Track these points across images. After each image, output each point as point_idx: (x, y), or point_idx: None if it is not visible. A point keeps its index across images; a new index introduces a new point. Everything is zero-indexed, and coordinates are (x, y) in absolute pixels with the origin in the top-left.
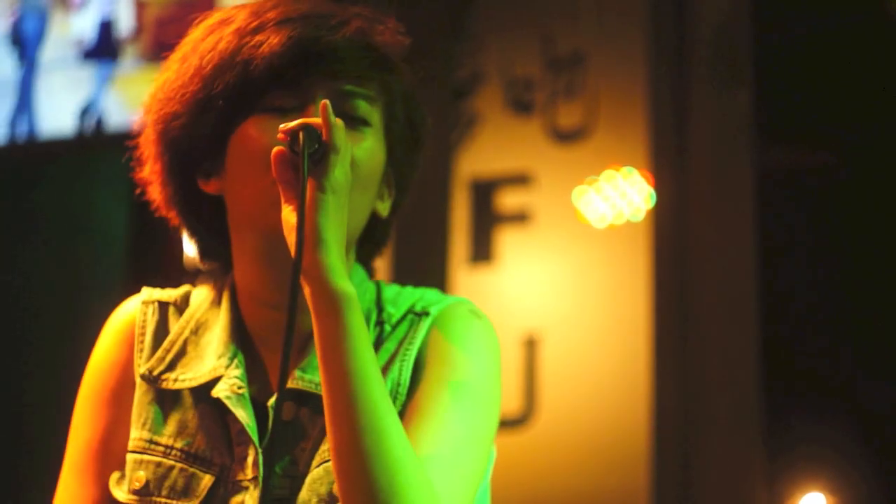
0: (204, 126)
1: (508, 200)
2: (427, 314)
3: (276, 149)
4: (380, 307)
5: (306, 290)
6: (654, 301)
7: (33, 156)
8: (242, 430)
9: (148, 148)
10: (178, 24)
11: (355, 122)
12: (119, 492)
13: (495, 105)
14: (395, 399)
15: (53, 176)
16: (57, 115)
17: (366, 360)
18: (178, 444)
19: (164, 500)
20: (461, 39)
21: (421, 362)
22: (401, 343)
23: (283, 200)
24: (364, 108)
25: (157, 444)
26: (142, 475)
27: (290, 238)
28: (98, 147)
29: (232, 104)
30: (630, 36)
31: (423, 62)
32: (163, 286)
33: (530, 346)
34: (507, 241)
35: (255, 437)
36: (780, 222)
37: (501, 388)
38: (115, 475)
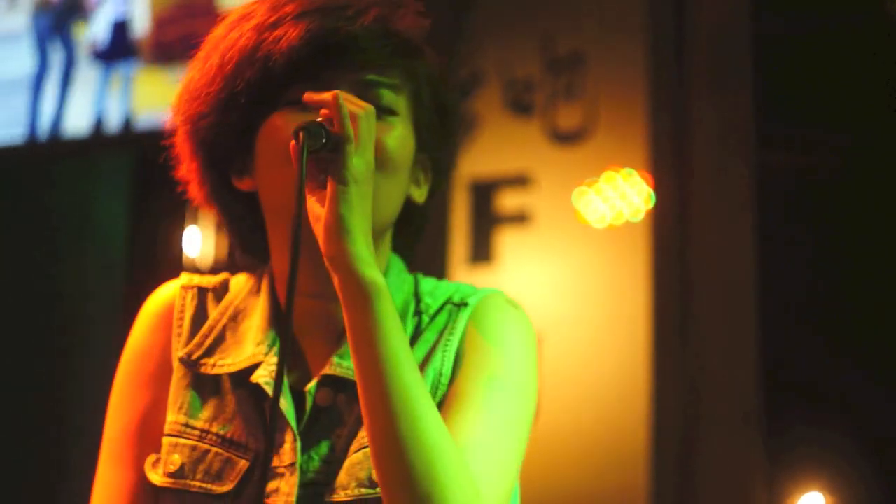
0: (229, 124)
1: (508, 201)
2: (465, 304)
3: (291, 143)
4: (418, 298)
5: (335, 280)
6: (654, 302)
7: (40, 156)
8: (281, 416)
9: (181, 148)
10: (178, 24)
11: (380, 112)
12: (154, 475)
13: (495, 106)
14: (436, 389)
15: (58, 176)
16: (67, 116)
17: (397, 347)
18: (215, 429)
19: (198, 483)
20: (461, 40)
21: (461, 352)
22: (441, 333)
23: (306, 192)
24: (388, 96)
25: (192, 427)
26: (177, 458)
27: (317, 228)
28: (100, 147)
29: (254, 100)
30: (630, 37)
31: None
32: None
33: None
34: (507, 241)
35: (292, 422)
36: (779, 223)
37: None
38: (150, 458)
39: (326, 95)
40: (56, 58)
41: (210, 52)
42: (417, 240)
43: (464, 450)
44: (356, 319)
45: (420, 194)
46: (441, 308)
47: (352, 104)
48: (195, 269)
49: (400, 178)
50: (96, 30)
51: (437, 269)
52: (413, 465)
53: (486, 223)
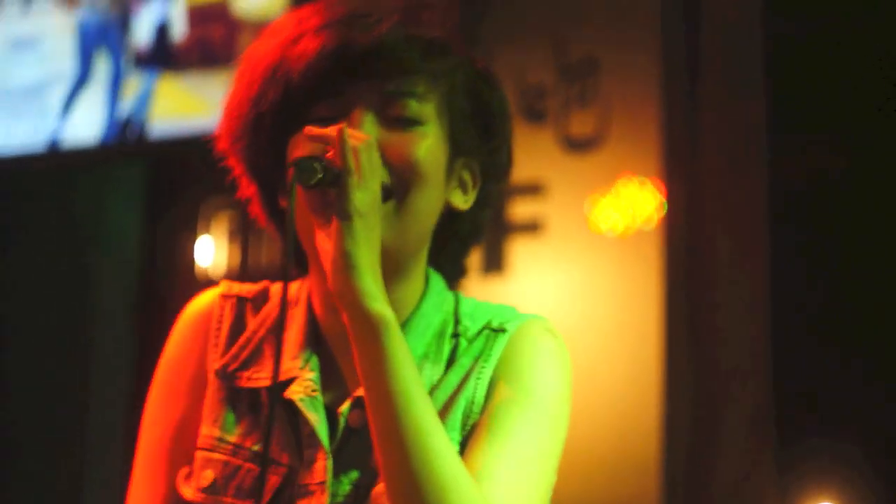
0: (261, 145)
1: (521, 210)
2: (504, 331)
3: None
4: (457, 319)
5: (343, 316)
6: (666, 311)
7: (57, 165)
8: (313, 434)
9: (234, 168)
10: (191, 29)
11: (405, 123)
12: (186, 489)
13: None
14: (468, 417)
15: (76, 183)
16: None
17: (408, 382)
18: (248, 444)
19: (230, 500)
20: (473, 47)
21: (494, 380)
22: (476, 360)
23: (315, 227)
24: (413, 106)
25: (226, 442)
26: (209, 473)
27: (325, 263)
28: (116, 157)
29: (279, 120)
30: (642, 44)
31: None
32: (176, 297)
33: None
34: (520, 251)
35: (325, 441)
36: (793, 232)
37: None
38: (183, 471)
39: (327, 130)
40: (101, 65)
41: (242, 70)
42: (467, 250)
43: (486, 482)
44: (365, 355)
45: (464, 201)
46: (479, 332)
47: (353, 137)
48: (207, 279)
49: (430, 192)
50: (140, 34)
51: (451, 280)
52: (425, 498)
53: (498, 232)
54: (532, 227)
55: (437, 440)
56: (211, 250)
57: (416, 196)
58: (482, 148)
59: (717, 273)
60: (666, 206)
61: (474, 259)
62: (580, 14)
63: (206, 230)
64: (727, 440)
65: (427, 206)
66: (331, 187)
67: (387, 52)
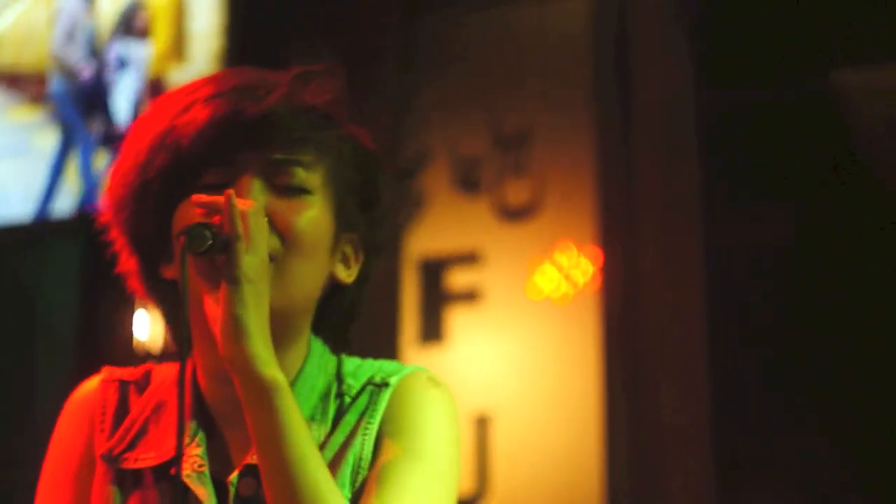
0: (146, 213)
1: (458, 279)
2: (387, 385)
3: (179, 244)
4: (340, 380)
5: (234, 381)
6: (605, 377)
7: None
8: None
9: (115, 239)
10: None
11: (292, 191)
12: None
13: (443, 183)
14: (357, 473)
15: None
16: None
17: (302, 444)
18: None
19: None
20: (408, 118)
21: (381, 434)
22: (361, 415)
23: (204, 294)
24: (300, 175)
25: None
26: None
27: (214, 329)
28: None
29: (166, 187)
30: (576, 113)
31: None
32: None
33: (482, 425)
34: (458, 320)
35: None
36: (730, 296)
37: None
38: None
39: (215, 197)
40: (46, 140)
41: (129, 140)
42: (350, 321)
43: None
44: (257, 419)
45: (348, 274)
46: (363, 389)
47: (241, 203)
48: (146, 353)
49: (315, 260)
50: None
51: (389, 348)
52: None
53: (436, 301)
54: (470, 296)
55: (332, 501)
56: (148, 324)
57: (298, 261)
58: (365, 222)
59: (654, 337)
60: (603, 272)
61: (412, 328)
62: (514, 85)
63: (144, 304)
64: (668, 497)
65: (309, 272)
66: (220, 254)
67: (274, 122)
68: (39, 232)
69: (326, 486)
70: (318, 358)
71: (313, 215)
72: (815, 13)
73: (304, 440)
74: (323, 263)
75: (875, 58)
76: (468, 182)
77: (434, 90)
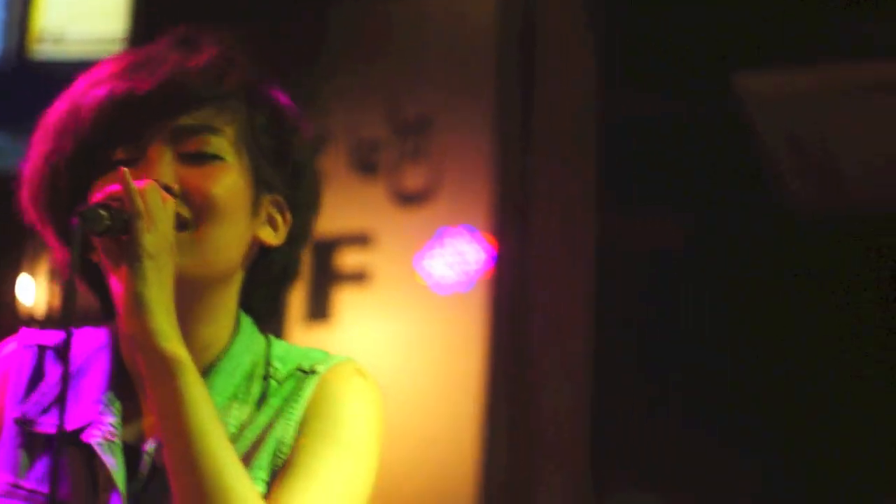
0: (61, 200)
1: (349, 260)
2: (314, 372)
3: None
4: (268, 361)
5: (137, 357)
6: (490, 362)
7: None
8: (110, 477)
9: (42, 233)
10: None
11: (202, 158)
12: None
13: (340, 166)
14: (277, 457)
15: None
16: None
17: (203, 420)
18: (43, 489)
19: None
20: (309, 100)
21: (304, 420)
22: (286, 401)
23: (109, 271)
24: (209, 140)
25: (20, 487)
26: None
27: (119, 306)
28: None
29: (76, 171)
30: (477, 102)
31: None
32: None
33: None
34: (346, 300)
35: (121, 484)
36: (617, 294)
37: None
38: None
39: (112, 179)
40: None
41: (38, 133)
42: (282, 288)
43: None
44: (160, 394)
45: (274, 236)
46: (290, 374)
47: (140, 181)
48: (31, 318)
49: (233, 225)
50: None
51: (273, 326)
52: None
53: (325, 281)
54: (360, 277)
55: (233, 476)
56: (32, 289)
57: (214, 227)
58: (288, 183)
59: (542, 327)
60: (494, 261)
61: (299, 306)
62: (416, 72)
63: (30, 269)
64: (545, 491)
65: (226, 237)
66: (122, 233)
67: (170, 90)
68: None
69: (227, 463)
70: (247, 337)
71: (227, 181)
72: (722, 17)
73: (206, 417)
74: (242, 228)
75: (780, 61)
76: (366, 165)
77: (340, 75)
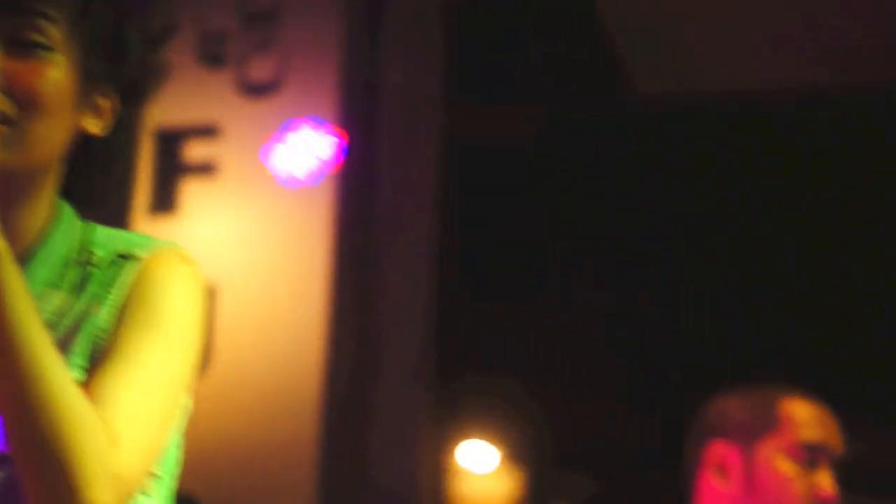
0: None
1: (194, 152)
2: (136, 258)
3: None
4: (85, 248)
5: None
6: (335, 257)
7: None
8: None
9: None
10: None
11: (30, 49)
12: None
13: (186, 56)
14: (97, 344)
15: None
16: None
17: (21, 312)
18: None
19: None
20: None
21: (125, 306)
22: (106, 287)
23: None
24: (40, 26)
25: None
26: None
27: None
28: None
29: None
30: None
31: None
32: None
33: (208, 296)
34: (192, 192)
35: None
36: (464, 190)
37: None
38: None
39: None
40: None
41: None
42: (104, 172)
43: (107, 407)
44: None
45: (97, 125)
46: (112, 261)
47: None
48: None
49: (58, 119)
50: None
51: (119, 218)
52: (41, 428)
53: (171, 173)
54: (206, 169)
55: (53, 372)
56: None
57: (37, 123)
58: (118, 73)
59: (388, 221)
60: (342, 154)
61: (144, 198)
62: None
63: None
64: (388, 382)
65: (49, 132)
66: None
67: None
68: None
69: (45, 355)
70: (66, 225)
71: (54, 75)
72: None
73: (24, 309)
74: (66, 121)
75: None
76: (211, 56)
77: None
